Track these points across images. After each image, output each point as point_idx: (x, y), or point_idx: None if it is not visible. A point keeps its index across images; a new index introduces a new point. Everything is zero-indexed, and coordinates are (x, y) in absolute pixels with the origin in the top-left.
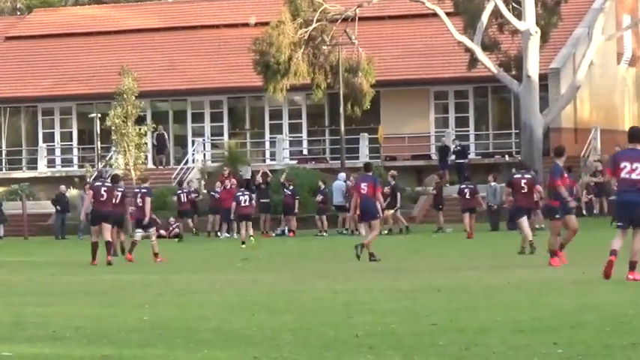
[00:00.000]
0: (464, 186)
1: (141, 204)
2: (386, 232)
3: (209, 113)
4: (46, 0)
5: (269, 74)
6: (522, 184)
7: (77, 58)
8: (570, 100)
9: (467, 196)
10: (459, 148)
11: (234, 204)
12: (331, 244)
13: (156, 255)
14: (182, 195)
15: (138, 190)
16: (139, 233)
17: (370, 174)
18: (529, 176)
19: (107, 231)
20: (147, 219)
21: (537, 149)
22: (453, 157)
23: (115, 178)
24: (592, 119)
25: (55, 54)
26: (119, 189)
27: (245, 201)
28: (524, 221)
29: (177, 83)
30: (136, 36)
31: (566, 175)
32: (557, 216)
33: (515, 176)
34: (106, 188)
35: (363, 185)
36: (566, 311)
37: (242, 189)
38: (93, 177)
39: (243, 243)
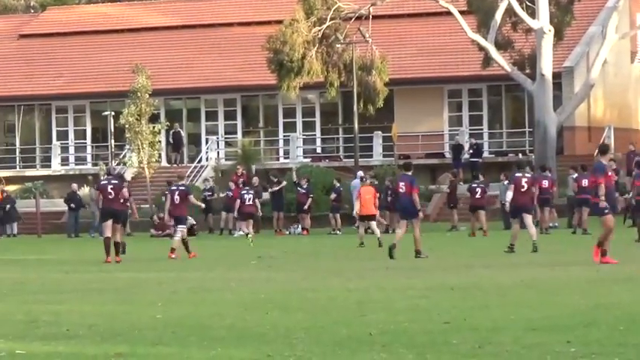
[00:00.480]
0: (475, 184)
1: (178, 202)
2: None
3: (223, 111)
4: None
5: (283, 72)
6: (523, 183)
7: (91, 56)
8: (584, 98)
9: (477, 195)
10: (475, 147)
11: (238, 202)
12: (345, 243)
13: (172, 250)
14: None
15: (175, 188)
16: (181, 230)
17: (409, 173)
18: (529, 175)
19: (118, 231)
20: (203, 205)
21: (551, 148)
22: (466, 155)
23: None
24: (606, 118)
25: (69, 52)
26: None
27: (249, 199)
28: (515, 222)
29: (190, 81)
30: (149, 34)
31: (610, 173)
32: (607, 211)
33: (516, 175)
34: (112, 185)
35: (402, 184)
36: (579, 310)
37: (247, 188)
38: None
39: (247, 235)
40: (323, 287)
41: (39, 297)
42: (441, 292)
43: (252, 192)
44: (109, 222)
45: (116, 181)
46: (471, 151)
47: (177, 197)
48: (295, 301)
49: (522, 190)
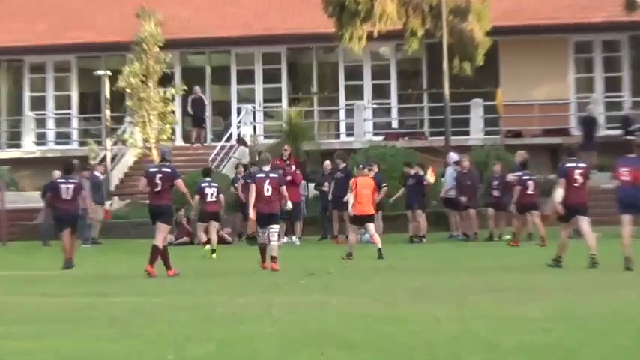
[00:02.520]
0: (527, 177)
1: (270, 193)
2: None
3: (261, 70)
4: None
5: (345, 17)
6: (576, 176)
7: None
8: None
9: (529, 190)
10: (633, 117)
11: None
12: (432, 253)
13: (273, 259)
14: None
15: (264, 175)
16: (263, 234)
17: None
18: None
19: (162, 231)
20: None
21: None
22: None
23: (69, 169)
24: None
25: None
26: (72, 181)
27: (212, 195)
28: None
29: (217, 29)
30: None
31: None
32: None
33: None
34: (161, 175)
35: (625, 171)
36: None
37: (208, 179)
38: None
39: (213, 251)
40: (399, 315)
41: (7, 328)
42: (565, 322)
43: (215, 184)
44: (158, 224)
45: (168, 170)
46: (633, 118)
47: (268, 188)
48: (361, 335)
49: (575, 185)
